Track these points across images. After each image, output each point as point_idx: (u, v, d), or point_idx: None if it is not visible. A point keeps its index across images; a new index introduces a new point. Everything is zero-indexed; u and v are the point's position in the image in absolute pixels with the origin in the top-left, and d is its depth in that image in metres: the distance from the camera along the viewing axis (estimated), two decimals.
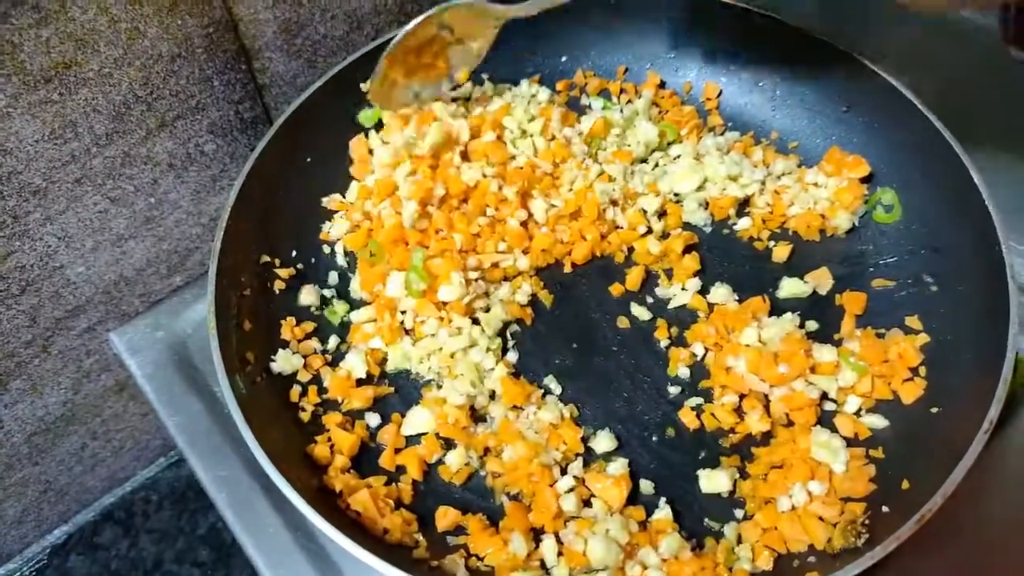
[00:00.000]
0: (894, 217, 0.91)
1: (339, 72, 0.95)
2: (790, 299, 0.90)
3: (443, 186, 0.91)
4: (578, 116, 1.01)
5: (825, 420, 0.80)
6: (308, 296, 0.90)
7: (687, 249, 0.93)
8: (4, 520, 1.15)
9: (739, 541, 0.75)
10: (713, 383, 0.84)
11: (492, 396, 0.84)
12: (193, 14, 0.85)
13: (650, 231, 0.95)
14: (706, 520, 0.77)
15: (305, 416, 0.82)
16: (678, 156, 0.99)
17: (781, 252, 0.93)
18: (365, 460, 0.80)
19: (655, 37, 1.05)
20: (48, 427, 1.08)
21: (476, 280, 0.88)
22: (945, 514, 0.65)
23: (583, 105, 1.06)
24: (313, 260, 0.94)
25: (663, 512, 0.76)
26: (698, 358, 0.87)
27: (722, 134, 1.02)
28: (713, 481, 0.78)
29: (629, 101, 1.05)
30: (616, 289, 0.92)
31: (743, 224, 0.96)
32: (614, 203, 0.95)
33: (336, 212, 0.96)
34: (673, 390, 0.85)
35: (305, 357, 0.86)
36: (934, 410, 0.77)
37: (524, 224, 0.93)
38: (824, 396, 0.82)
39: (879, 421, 0.79)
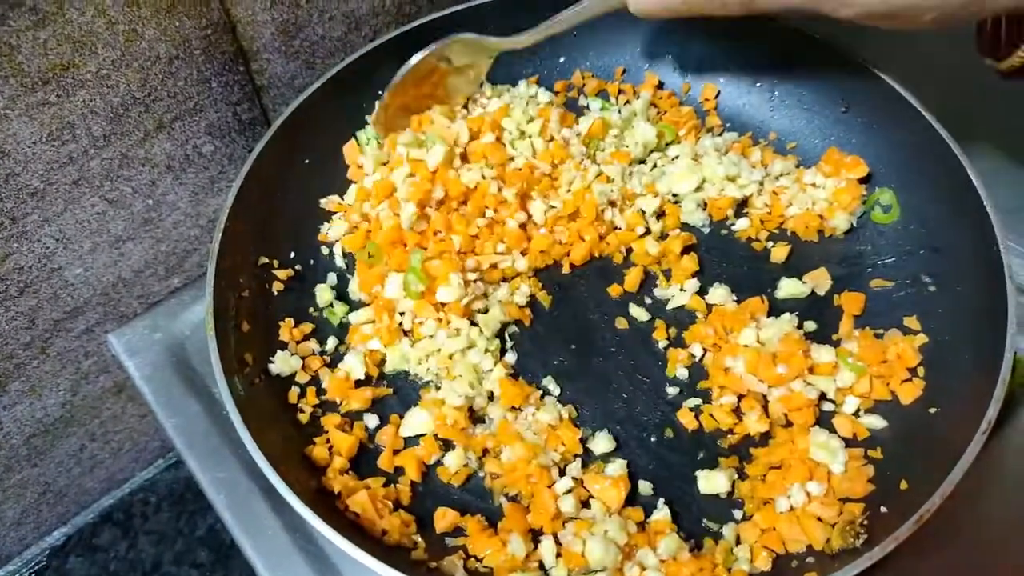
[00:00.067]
0: (892, 217, 0.91)
1: (337, 73, 0.95)
2: (788, 300, 0.90)
3: (442, 188, 0.91)
4: (576, 117, 1.01)
5: (824, 421, 0.80)
6: (323, 295, 0.90)
7: (685, 250, 0.93)
8: (3, 522, 1.15)
9: (738, 542, 0.75)
10: (711, 384, 0.84)
11: (491, 397, 0.84)
12: (191, 16, 0.85)
13: (648, 232, 0.95)
14: (704, 521, 0.77)
15: (304, 417, 0.82)
16: (676, 157, 0.99)
17: (779, 253, 0.93)
18: (364, 461, 0.80)
19: (654, 37, 1.05)
20: (47, 429, 1.08)
21: (475, 281, 0.88)
22: (944, 514, 0.65)
23: (581, 106, 1.06)
24: (312, 261, 0.94)
25: (662, 513, 0.76)
26: (696, 359, 0.87)
27: (720, 135, 1.02)
28: (712, 482, 0.78)
29: (627, 102, 1.05)
30: (614, 290, 0.92)
31: (741, 225, 0.96)
32: (612, 204, 0.95)
33: (334, 213, 0.96)
34: (671, 391, 0.85)
35: (304, 358, 0.86)
36: (932, 410, 0.77)
37: (523, 226, 0.93)
38: (823, 396, 0.82)
39: (877, 421, 0.79)
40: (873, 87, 0.91)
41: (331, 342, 0.88)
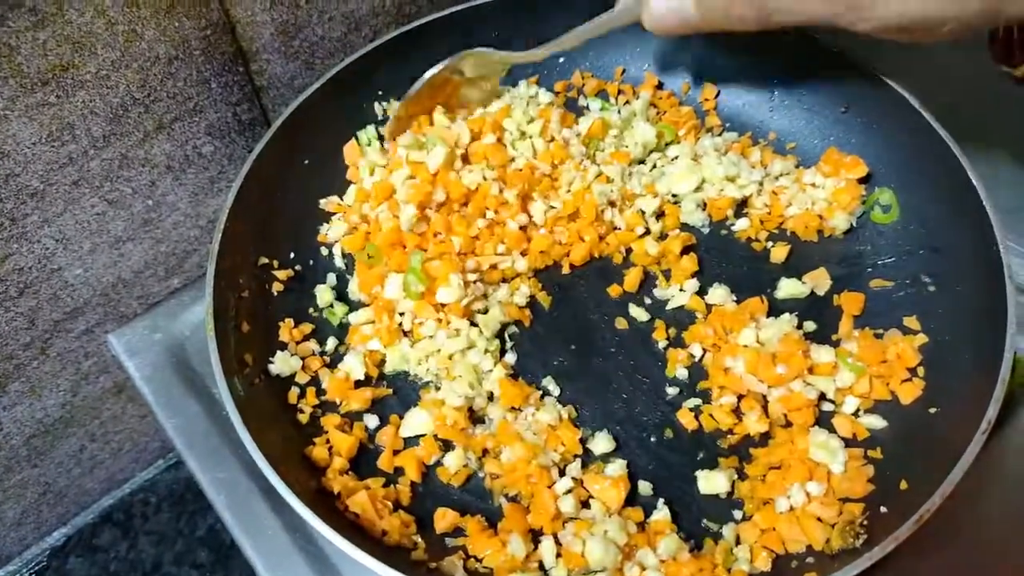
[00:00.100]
0: (892, 217, 0.91)
1: (337, 74, 0.95)
2: (788, 300, 0.90)
3: (443, 190, 0.91)
4: (576, 117, 1.01)
5: (823, 421, 0.81)
6: (323, 295, 0.90)
7: (685, 250, 0.93)
8: (3, 522, 1.15)
9: (737, 542, 0.75)
10: (711, 384, 0.84)
11: (490, 397, 0.84)
12: (190, 16, 0.85)
13: (648, 232, 0.95)
14: (704, 521, 0.77)
15: (303, 418, 0.82)
16: (676, 157, 0.99)
17: (779, 253, 0.93)
18: (363, 462, 0.80)
19: (652, 38, 1.05)
20: (47, 429, 1.08)
21: (474, 282, 0.88)
22: (943, 514, 0.65)
23: (581, 106, 1.06)
24: (311, 262, 0.94)
25: (661, 513, 0.76)
26: (696, 359, 0.87)
27: (720, 135, 1.02)
28: (711, 482, 0.78)
29: (627, 102, 1.05)
30: (614, 290, 0.92)
31: (741, 225, 0.96)
32: (612, 204, 0.95)
33: (334, 214, 0.96)
34: (671, 391, 0.85)
35: (303, 359, 0.86)
36: (932, 410, 0.77)
37: (523, 227, 0.93)
38: (822, 397, 0.82)
39: (877, 421, 0.79)
40: (872, 87, 0.91)
41: (331, 342, 0.88)
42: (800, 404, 0.80)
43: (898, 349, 0.81)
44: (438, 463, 0.80)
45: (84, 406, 1.11)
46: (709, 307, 0.89)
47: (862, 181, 0.94)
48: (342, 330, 0.89)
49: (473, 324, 0.87)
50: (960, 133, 0.84)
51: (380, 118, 1.02)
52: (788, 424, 0.81)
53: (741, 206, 0.97)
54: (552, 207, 0.95)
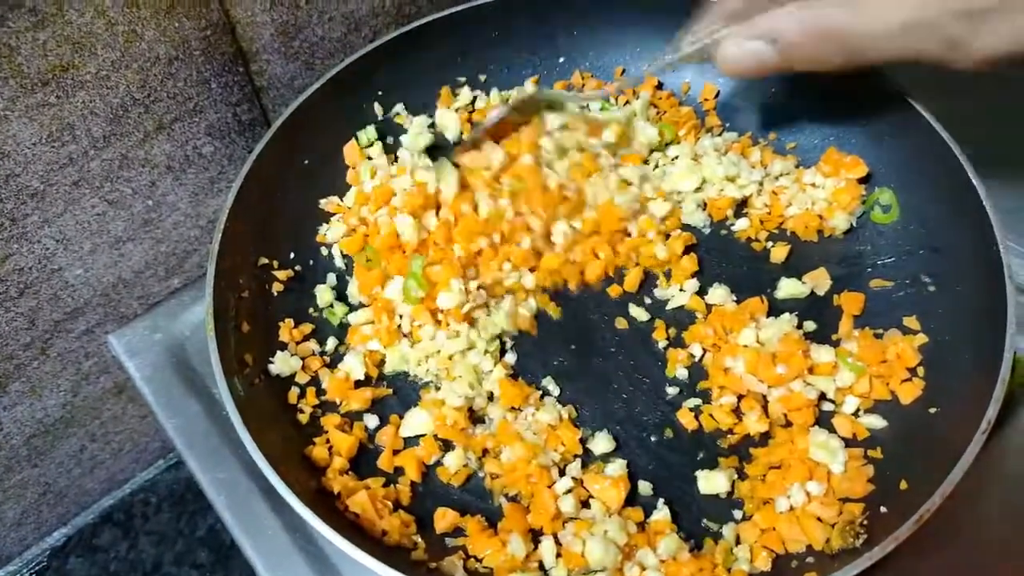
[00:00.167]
0: (892, 217, 0.91)
1: (337, 74, 0.95)
2: (788, 300, 0.90)
3: (451, 215, 0.89)
4: (601, 126, 0.98)
5: (823, 420, 0.80)
6: (323, 296, 0.90)
7: (685, 250, 0.93)
8: (3, 522, 1.15)
9: (737, 542, 0.75)
10: (711, 384, 0.84)
11: (490, 397, 0.84)
12: (190, 16, 0.85)
13: (656, 236, 0.93)
14: (704, 521, 0.77)
15: (303, 418, 0.82)
16: (676, 157, 0.99)
17: (779, 253, 0.93)
18: (363, 462, 0.80)
19: (653, 37, 1.05)
20: (47, 429, 1.08)
21: (477, 289, 0.87)
22: (943, 514, 0.65)
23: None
24: (311, 262, 0.94)
25: (661, 513, 0.76)
26: (696, 359, 0.87)
27: (720, 135, 1.02)
28: (711, 482, 0.78)
29: (627, 102, 1.05)
30: (614, 290, 0.92)
31: (741, 225, 0.96)
32: (635, 215, 0.93)
33: (333, 215, 0.96)
34: (671, 391, 0.85)
35: (303, 359, 0.86)
36: (932, 410, 0.77)
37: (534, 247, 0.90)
38: (822, 396, 0.82)
39: (877, 421, 0.79)
40: (873, 87, 0.91)
41: (331, 342, 0.88)
42: (800, 404, 0.80)
43: (898, 349, 0.81)
44: (438, 463, 0.80)
45: (84, 406, 1.11)
46: (709, 307, 0.89)
47: (862, 181, 0.94)
48: (342, 330, 0.89)
49: (472, 325, 0.87)
50: (960, 133, 0.84)
51: (380, 118, 1.02)
52: (788, 424, 0.81)
53: (741, 206, 0.97)
54: (573, 227, 0.91)
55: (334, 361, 0.87)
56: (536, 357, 0.88)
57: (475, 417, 0.83)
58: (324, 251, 0.95)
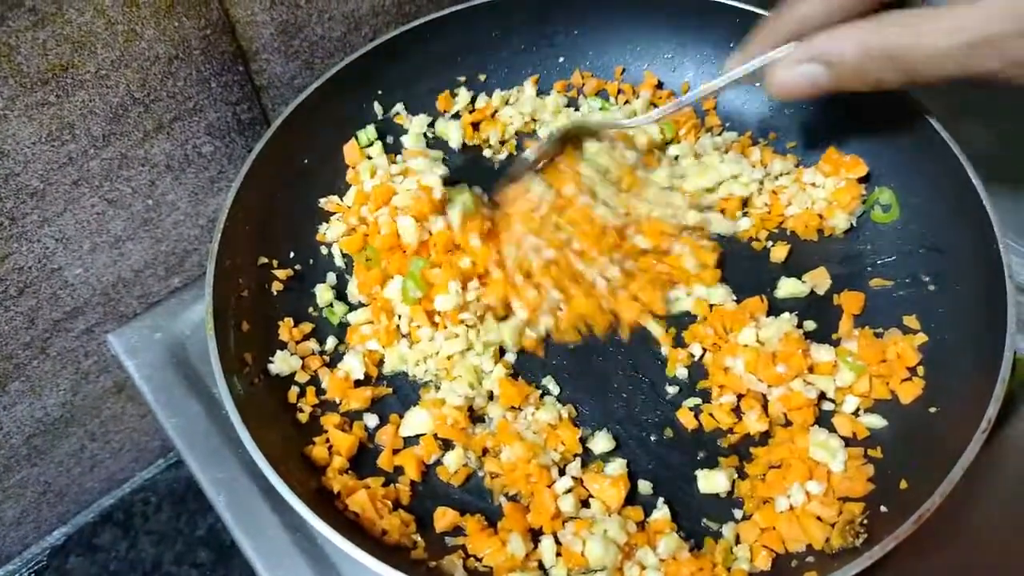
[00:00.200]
0: (892, 217, 0.91)
1: (337, 73, 0.95)
2: (788, 299, 0.90)
3: (469, 260, 0.87)
4: (659, 157, 0.97)
5: (823, 420, 0.80)
6: (323, 295, 0.90)
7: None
8: (3, 521, 1.15)
9: (737, 541, 0.75)
10: (711, 383, 0.84)
11: (490, 397, 0.84)
12: (190, 16, 0.85)
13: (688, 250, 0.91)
14: (704, 520, 0.77)
15: (303, 417, 0.82)
16: (676, 156, 0.99)
17: (779, 252, 0.93)
18: (363, 461, 0.80)
19: (652, 37, 1.05)
20: (47, 428, 1.08)
21: (477, 300, 0.86)
22: (943, 514, 0.65)
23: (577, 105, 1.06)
24: (311, 261, 0.94)
25: (661, 512, 0.76)
26: (696, 358, 0.87)
27: (720, 134, 1.02)
28: (711, 481, 0.78)
29: (627, 101, 1.05)
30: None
31: (741, 224, 0.96)
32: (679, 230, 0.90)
33: (333, 214, 0.96)
34: (671, 390, 0.85)
35: (303, 358, 0.86)
36: (932, 410, 0.77)
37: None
38: (822, 396, 0.82)
39: (877, 421, 0.79)
40: None
41: (330, 342, 0.88)
42: (800, 403, 0.80)
43: (898, 348, 0.81)
44: (438, 462, 0.80)
45: (84, 405, 1.11)
46: (709, 307, 0.89)
47: (862, 180, 0.93)
48: (342, 329, 0.89)
49: (471, 327, 0.86)
50: (960, 132, 0.84)
51: (380, 117, 1.02)
52: (788, 423, 0.81)
53: (741, 205, 0.97)
54: (609, 277, 0.87)
55: (334, 360, 0.87)
56: (536, 356, 0.88)
57: (475, 416, 0.83)
58: (324, 250, 0.95)
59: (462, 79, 1.05)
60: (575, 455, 0.80)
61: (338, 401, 0.84)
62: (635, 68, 1.06)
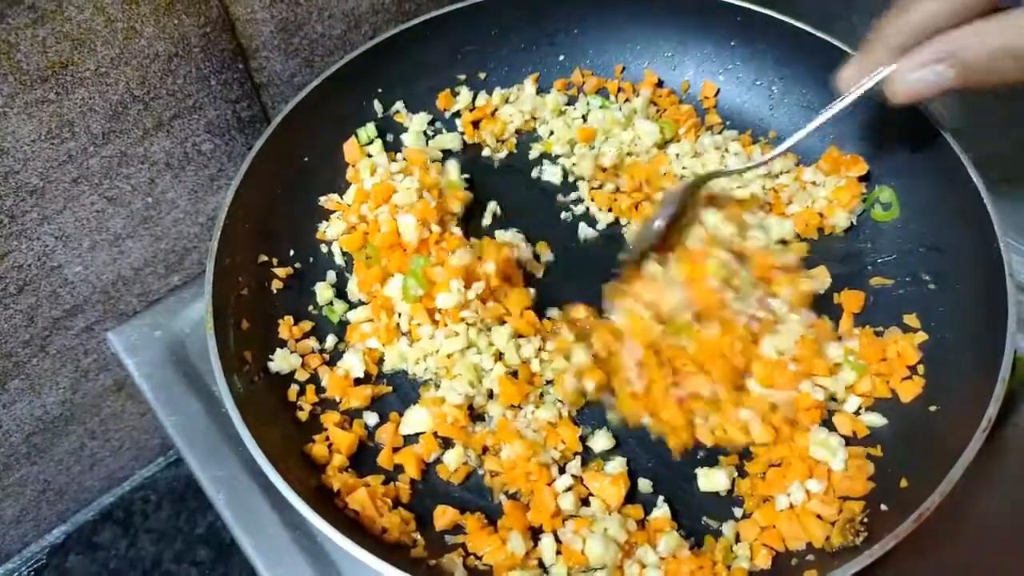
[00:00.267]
0: (892, 215, 0.91)
1: (337, 71, 0.94)
2: None
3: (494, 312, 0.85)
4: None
5: (824, 419, 0.80)
6: (323, 293, 0.90)
7: None
8: (3, 520, 1.15)
9: (737, 539, 0.75)
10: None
11: (490, 395, 0.84)
12: (190, 13, 0.85)
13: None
14: (704, 519, 0.77)
15: (303, 415, 0.82)
16: (677, 155, 0.99)
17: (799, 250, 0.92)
18: (363, 459, 0.80)
19: (653, 35, 1.05)
20: (46, 427, 1.08)
21: (481, 301, 0.85)
22: (943, 512, 0.65)
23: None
24: (311, 259, 0.93)
25: (661, 511, 0.76)
26: None
27: (720, 132, 1.02)
28: (711, 479, 0.78)
29: (627, 100, 1.05)
30: None
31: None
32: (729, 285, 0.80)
33: (333, 212, 0.96)
34: None
35: (303, 356, 0.85)
36: (933, 408, 0.77)
37: None
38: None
39: (878, 419, 0.79)
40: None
41: (330, 340, 0.88)
42: (808, 405, 0.79)
43: (898, 347, 0.81)
44: (438, 460, 0.80)
45: (84, 404, 1.11)
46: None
47: (862, 179, 0.94)
48: (342, 328, 0.89)
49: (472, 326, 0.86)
50: (961, 131, 0.84)
51: (380, 115, 1.01)
52: (792, 424, 0.80)
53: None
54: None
55: (334, 359, 0.87)
56: None
57: (475, 415, 0.83)
58: (324, 248, 0.94)
59: (462, 77, 1.05)
60: (575, 453, 0.80)
61: (338, 399, 0.84)
62: (635, 66, 1.06)
